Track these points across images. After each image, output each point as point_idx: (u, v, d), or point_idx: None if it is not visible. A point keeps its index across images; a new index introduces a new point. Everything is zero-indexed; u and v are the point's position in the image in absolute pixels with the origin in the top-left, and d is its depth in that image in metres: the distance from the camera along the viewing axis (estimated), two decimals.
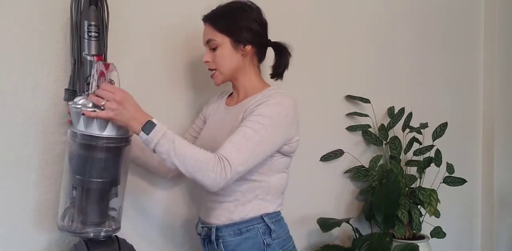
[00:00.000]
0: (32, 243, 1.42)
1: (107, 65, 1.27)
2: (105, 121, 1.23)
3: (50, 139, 1.44)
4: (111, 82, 1.26)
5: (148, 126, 1.22)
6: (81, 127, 1.23)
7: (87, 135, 1.22)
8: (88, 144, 1.24)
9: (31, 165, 1.41)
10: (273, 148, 1.37)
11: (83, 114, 1.21)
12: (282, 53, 1.55)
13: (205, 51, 1.49)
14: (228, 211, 1.43)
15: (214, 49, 1.47)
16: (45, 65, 1.43)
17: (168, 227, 1.73)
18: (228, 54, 1.47)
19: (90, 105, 1.22)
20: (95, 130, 1.22)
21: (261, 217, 1.43)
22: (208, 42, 1.47)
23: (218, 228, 1.44)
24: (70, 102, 1.26)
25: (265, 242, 1.42)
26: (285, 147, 1.43)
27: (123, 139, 1.29)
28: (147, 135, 1.22)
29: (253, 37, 1.48)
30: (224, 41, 1.45)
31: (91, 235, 1.27)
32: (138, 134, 1.23)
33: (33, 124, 1.41)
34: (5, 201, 1.37)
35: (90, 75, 1.28)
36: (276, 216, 1.47)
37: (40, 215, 1.43)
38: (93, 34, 1.35)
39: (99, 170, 1.26)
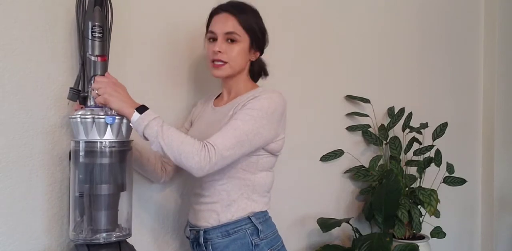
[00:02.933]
0: (32, 243, 1.42)
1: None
2: (104, 127, 1.28)
3: (50, 139, 1.44)
4: None
5: (141, 109, 1.27)
6: (82, 136, 1.30)
7: (89, 141, 1.29)
8: (91, 150, 1.30)
9: (32, 164, 1.41)
10: (260, 139, 1.36)
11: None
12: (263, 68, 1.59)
13: (218, 40, 1.44)
14: (215, 213, 1.43)
15: (231, 42, 1.44)
16: (46, 66, 1.43)
17: (164, 229, 1.73)
18: (243, 53, 1.47)
19: (89, 113, 1.28)
20: (95, 136, 1.28)
21: (248, 217, 1.43)
22: (228, 33, 1.43)
23: (206, 231, 1.44)
24: (70, 116, 1.33)
25: (253, 243, 1.42)
26: (271, 144, 1.43)
27: (123, 143, 1.33)
28: (140, 114, 1.25)
29: (263, 45, 1.52)
30: (244, 40, 1.45)
31: (101, 240, 1.29)
32: (130, 116, 1.27)
33: (34, 124, 1.41)
34: (5, 201, 1.37)
35: (89, 90, 1.36)
36: (264, 216, 1.47)
37: (41, 215, 1.43)
38: (97, 34, 1.36)
39: (105, 175, 1.30)
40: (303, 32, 2.10)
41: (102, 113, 1.29)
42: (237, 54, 1.45)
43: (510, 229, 2.89)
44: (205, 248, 1.44)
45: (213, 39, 1.47)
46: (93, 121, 1.28)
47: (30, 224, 1.42)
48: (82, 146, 1.30)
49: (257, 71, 1.58)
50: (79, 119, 1.29)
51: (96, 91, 1.28)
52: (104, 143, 1.29)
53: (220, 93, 1.60)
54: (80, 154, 1.30)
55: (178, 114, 1.74)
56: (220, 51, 1.43)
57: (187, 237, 1.55)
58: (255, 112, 1.35)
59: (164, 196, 1.73)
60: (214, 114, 1.53)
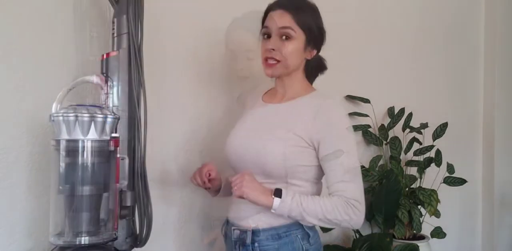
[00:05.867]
0: (32, 243, 1.42)
1: (102, 78, 1.33)
2: (88, 126, 1.22)
3: (50, 139, 1.44)
4: (106, 93, 1.33)
5: (278, 194, 1.29)
6: (64, 135, 1.22)
7: (71, 140, 1.21)
8: (73, 149, 1.22)
9: (32, 165, 1.41)
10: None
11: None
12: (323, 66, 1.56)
13: (272, 37, 1.38)
14: (265, 216, 1.37)
15: (286, 39, 1.37)
16: (46, 66, 1.44)
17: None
18: (298, 51, 1.40)
19: (72, 111, 1.21)
20: (78, 135, 1.21)
21: (299, 223, 1.37)
22: (283, 28, 1.36)
23: (254, 232, 1.38)
24: (51, 114, 1.24)
25: (303, 248, 1.38)
26: None
27: (107, 142, 1.26)
28: (279, 200, 1.28)
29: (321, 42, 1.46)
30: (300, 37, 1.38)
31: (84, 243, 1.22)
32: (270, 205, 1.29)
33: (34, 125, 1.41)
34: (5, 201, 1.37)
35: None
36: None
37: (41, 215, 1.43)
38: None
39: (88, 175, 1.23)
40: None
41: (85, 111, 1.21)
42: (291, 52, 1.38)
43: (510, 229, 2.89)
44: (252, 249, 1.37)
45: (267, 35, 1.40)
46: (76, 119, 1.20)
47: (30, 225, 1.42)
48: (64, 145, 1.22)
49: (314, 68, 1.52)
50: (61, 118, 1.21)
51: (235, 187, 1.28)
52: (87, 142, 1.22)
53: (269, 90, 1.55)
54: (62, 153, 1.22)
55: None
56: (273, 49, 1.38)
57: (224, 235, 1.49)
58: (349, 145, 1.35)
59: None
60: (267, 111, 1.47)
